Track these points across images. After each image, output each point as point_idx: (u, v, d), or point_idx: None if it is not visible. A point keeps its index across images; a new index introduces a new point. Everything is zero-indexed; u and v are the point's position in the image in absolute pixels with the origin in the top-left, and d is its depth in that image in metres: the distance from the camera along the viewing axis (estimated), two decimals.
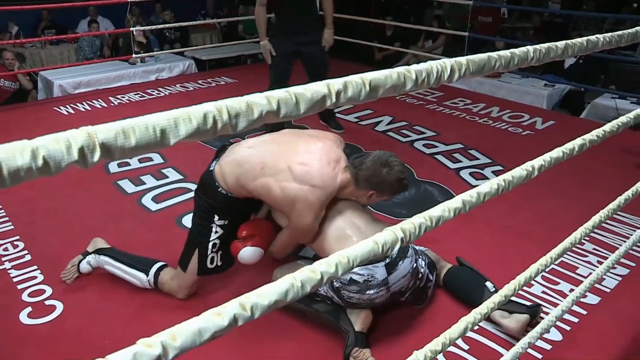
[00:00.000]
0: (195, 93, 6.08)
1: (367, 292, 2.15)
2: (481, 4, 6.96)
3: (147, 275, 2.54)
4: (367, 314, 2.22)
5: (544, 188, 3.48)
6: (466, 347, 2.21)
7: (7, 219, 3.31)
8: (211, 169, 2.37)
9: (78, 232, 3.13)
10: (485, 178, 3.76)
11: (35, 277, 2.73)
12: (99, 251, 2.69)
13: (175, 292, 2.53)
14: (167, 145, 0.49)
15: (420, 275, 2.33)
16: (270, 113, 0.55)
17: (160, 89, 6.23)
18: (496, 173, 3.82)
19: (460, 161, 4.06)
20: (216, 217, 2.37)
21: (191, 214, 2.52)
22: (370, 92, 0.68)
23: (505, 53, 0.95)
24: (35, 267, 2.81)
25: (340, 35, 7.40)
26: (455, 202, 0.99)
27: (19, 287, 2.65)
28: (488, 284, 2.42)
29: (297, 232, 2.28)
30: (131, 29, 6.51)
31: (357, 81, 0.66)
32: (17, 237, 3.10)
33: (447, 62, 0.82)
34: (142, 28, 6.82)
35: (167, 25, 7.65)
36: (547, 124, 4.99)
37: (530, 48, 0.99)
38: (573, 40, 1.12)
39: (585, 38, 1.14)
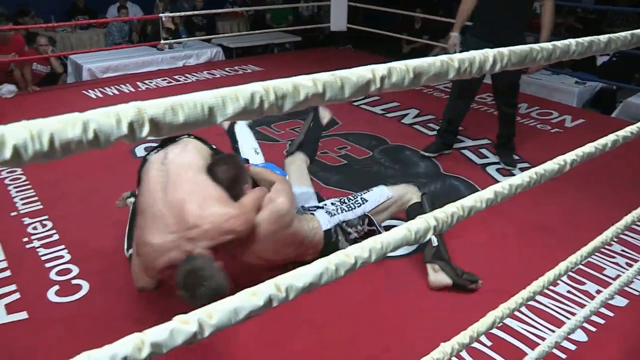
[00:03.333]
0: (221, 80, 6.10)
1: None
2: None
3: None
4: None
5: (567, 184, 3.44)
6: (489, 343, 2.20)
7: (36, 198, 3.37)
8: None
9: (103, 214, 3.17)
10: (512, 175, 3.71)
11: (62, 257, 2.77)
12: None
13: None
14: (213, 123, 0.49)
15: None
16: (315, 95, 0.55)
17: (187, 75, 6.27)
18: (523, 170, 3.77)
19: (487, 157, 4.02)
20: None
21: None
22: (414, 79, 0.67)
23: (547, 45, 0.93)
24: (62, 246, 2.86)
25: (368, 27, 7.38)
26: (488, 192, 0.98)
27: (47, 265, 2.70)
28: (433, 238, 2.54)
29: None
30: (160, 15, 6.55)
31: (401, 67, 0.65)
32: (46, 217, 3.15)
33: (489, 52, 0.81)
34: (171, 14, 6.85)
35: (195, 13, 7.67)
36: (577, 122, 4.91)
37: (572, 41, 0.97)
38: (616, 34, 1.10)
39: (629, 32, 1.11)
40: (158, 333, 0.58)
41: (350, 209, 2.59)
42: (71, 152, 0.43)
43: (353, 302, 2.42)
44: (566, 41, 0.96)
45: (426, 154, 4.03)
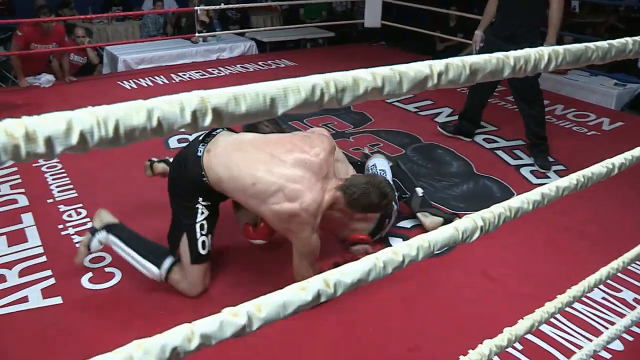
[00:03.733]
0: (255, 74, 6.12)
1: None
2: None
3: (160, 268, 2.37)
4: None
5: (599, 187, 3.35)
6: (520, 347, 2.16)
7: (71, 186, 3.43)
8: (199, 154, 2.32)
9: (135, 204, 3.21)
10: (547, 177, 3.65)
11: None
12: (108, 228, 2.47)
13: (186, 291, 2.41)
14: (274, 114, 0.49)
15: None
16: (374, 89, 0.54)
17: (220, 68, 6.31)
18: (559, 173, 3.70)
19: (521, 158, 3.96)
20: (200, 199, 2.36)
21: None
22: (470, 75, 0.66)
23: (603, 44, 0.91)
24: None
25: (402, 24, 7.32)
26: (534, 194, 0.96)
27: None
28: (418, 189, 2.99)
29: (303, 250, 2.28)
30: (195, 8, 6.60)
31: (458, 64, 0.64)
32: (81, 205, 3.21)
33: (544, 50, 0.79)
34: (206, 7, 6.89)
35: (229, 6, 7.71)
36: (615, 125, 4.80)
37: (629, 39, 0.94)
38: None
39: None
40: (208, 324, 0.58)
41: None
42: (134, 140, 0.43)
43: (383, 301, 2.41)
44: (622, 40, 0.94)
45: (440, 129, 4.35)
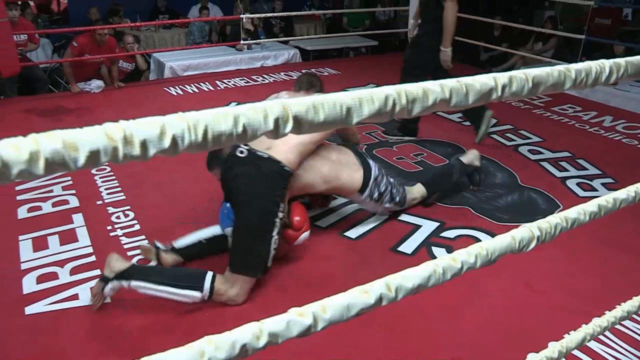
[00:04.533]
0: None
1: None
2: (602, 4, 6.55)
3: (202, 291, 2.32)
4: None
5: None
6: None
7: (119, 189, 3.53)
8: (265, 156, 2.45)
9: (182, 208, 3.28)
10: (594, 190, 3.58)
11: None
12: (124, 276, 2.34)
13: (234, 298, 2.39)
14: (349, 123, 0.51)
15: None
16: (442, 101, 0.56)
17: (264, 75, 6.39)
18: (607, 186, 3.63)
19: (567, 170, 3.89)
20: (280, 207, 2.42)
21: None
22: (532, 88, 0.67)
23: None
24: (143, 236, 2.97)
25: None
26: (591, 205, 0.96)
27: (129, 253, 2.82)
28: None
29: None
30: (241, 16, 6.71)
31: (521, 77, 0.65)
32: (128, 207, 3.30)
33: (605, 63, 0.80)
34: (251, 16, 7.00)
35: (274, 15, 7.82)
36: None
37: None
38: None
39: None
40: (275, 323, 0.60)
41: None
42: (220, 144, 0.46)
43: (426, 309, 2.40)
44: None
45: (386, 135, 4.49)
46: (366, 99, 0.51)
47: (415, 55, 4.18)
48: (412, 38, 4.42)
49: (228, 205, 2.55)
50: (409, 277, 0.68)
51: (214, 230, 2.73)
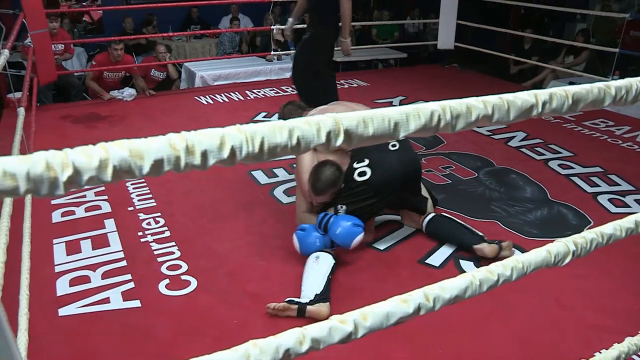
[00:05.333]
0: None
1: None
2: (637, 17, 6.44)
3: None
4: None
5: None
6: None
7: (150, 196, 3.59)
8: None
9: (211, 216, 3.33)
10: (627, 206, 3.52)
11: (173, 253, 2.94)
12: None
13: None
14: (396, 137, 0.53)
15: None
16: (485, 117, 0.58)
17: (294, 86, 6.43)
18: (639, 201, 3.57)
19: (599, 185, 3.84)
20: None
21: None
22: (572, 105, 0.68)
23: None
24: (173, 243, 3.03)
25: (475, 46, 7.27)
26: (627, 222, 0.97)
27: (159, 259, 2.87)
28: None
29: None
30: (272, 27, 6.79)
31: (561, 94, 0.67)
32: (159, 214, 3.35)
33: None
34: (282, 27, 7.07)
35: (304, 26, 7.88)
36: None
37: None
38: None
39: None
40: (318, 329, 0.62)
41: None
42: (275, 156, 0.48)
43: (454, 323, 2.39)
44: None
45: None
46: (413, 115, 0.53)
47: (313, 53, 4.25)
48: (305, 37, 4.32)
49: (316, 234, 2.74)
50: (447, 288, 0.69)
51: (327, 261, 2.63)
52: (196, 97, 6.02)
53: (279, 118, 3.33)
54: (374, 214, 3.00)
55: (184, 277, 2.72)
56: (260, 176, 3.91)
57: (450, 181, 3.86)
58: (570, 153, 4.43)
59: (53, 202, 3.47)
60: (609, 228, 0.92)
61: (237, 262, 2.86)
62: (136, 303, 2.53)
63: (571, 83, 6.35)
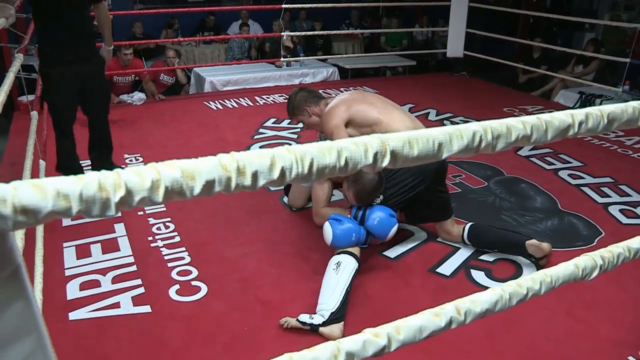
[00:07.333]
0: None
1: None
2: None
3: None
4: None
5: None
6: None
7: None
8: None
9: (222, 222, 3.34)
10: (638, 217, 3.51)
11: (183, 258, 2.94)
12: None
13: None
14: (439, 157, 0.54)
15: None
16: (524, 137, 0.59)
17: None
18: None
19: (609, 196, 3.83)
20: None
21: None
22: (607, 124, 0.69)
23: None
24: (183, 248, 3.03)
25: (484, 54, 7.27)
26: None
27: (169, 265, 2.88)
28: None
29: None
30: (282, 33, 6.81)
31: (597, 113, 0.68)
32: (169, 219, 3.36)
33: None
34: (292, 33, 7.10)
35: (313, 33, 7.92)
36: None
37: None
38: None
39: None
40: (352, 343, 0.63)
41: None
42: (323, 176, 0.49)
43: (467, 333, 2.37)
44: None
45: None
46: (456, 135, 0.54)
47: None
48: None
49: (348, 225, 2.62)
50: (478, 302, 0.70)
51: (349, 268, 2.53)
52: (205, 102, 6.05)
53: (289, 105, 3.24)
54: (403, 207, 2.96)
55: (194, 283, 2.72)
56: None
57: (460, 190, 3.86)
58: (580, 163, 4.43)
59: None
60: (636, 242, 0.93)
61: (248, 268, 2.86)
62: (146, 308, 2.54)
63: (581, 92, 6.35)
